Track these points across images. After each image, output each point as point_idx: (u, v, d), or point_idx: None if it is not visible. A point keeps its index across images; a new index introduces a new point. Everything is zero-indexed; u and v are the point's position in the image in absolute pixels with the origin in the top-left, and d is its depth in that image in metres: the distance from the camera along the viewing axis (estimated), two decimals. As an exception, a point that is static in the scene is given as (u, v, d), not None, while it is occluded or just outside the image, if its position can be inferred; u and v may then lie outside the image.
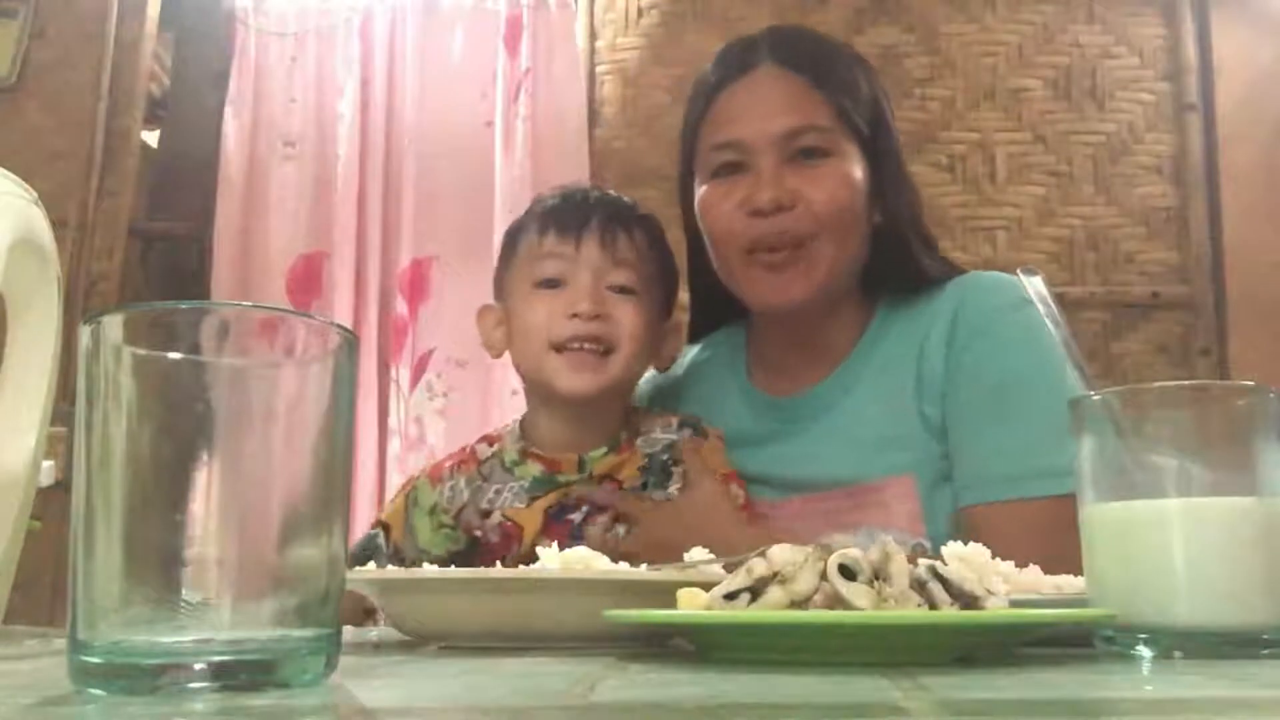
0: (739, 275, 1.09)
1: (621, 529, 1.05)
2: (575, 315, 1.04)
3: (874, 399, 1.10)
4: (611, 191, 1.17)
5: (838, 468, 1.09)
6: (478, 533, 1.09)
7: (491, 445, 1.15)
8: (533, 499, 1.09)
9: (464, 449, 1.17)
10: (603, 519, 1.06)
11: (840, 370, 1.13)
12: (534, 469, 1.10)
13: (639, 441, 1.10)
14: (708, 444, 1.10)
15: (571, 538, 1.03)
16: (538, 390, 1.11)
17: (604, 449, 1.09)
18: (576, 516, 1.06)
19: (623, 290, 1.07)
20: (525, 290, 1.09)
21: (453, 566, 0.73)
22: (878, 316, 1.15)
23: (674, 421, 1.12)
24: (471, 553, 1.08)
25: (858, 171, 1.07)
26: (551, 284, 1.07)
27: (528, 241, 1.10)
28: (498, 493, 1.10)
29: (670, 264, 1.14)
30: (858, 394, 1.11)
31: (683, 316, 1.22)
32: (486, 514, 1.09)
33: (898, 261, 1.13)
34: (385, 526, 1.13)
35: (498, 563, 0.86)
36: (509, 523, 1.08)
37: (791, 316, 1.10)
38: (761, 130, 1.06)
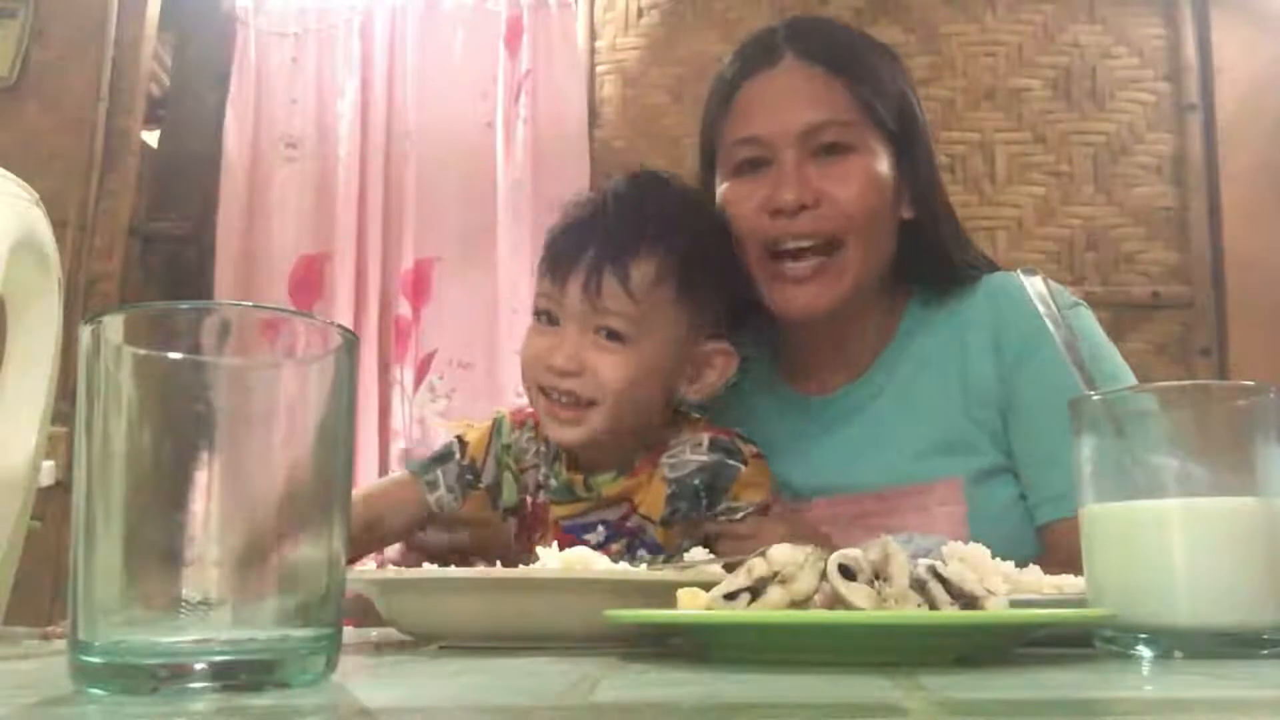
0: (762, 279, 1.05)
1: (645, 553, 1.01)
2: (550, 368, 0.99)
3: (913, 404, 1.08)
4: (647, 199, 1.03)
5: (873, 474, 1.06)
6: (527, 497, 1.08)
7: None
8: (555, 501, 1.06)
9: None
10: (616, 546, 1.02)
11: (871, 372, 1.10)
12: (562, 473, 1.06)
13: (664, 461, 1.02)
14: (745, 472, 1.01)
15: None
16: None
17: (613, 473, 1.03)
18: (592, 538, 1.03)
19: (611, 335, 0.98)
20: (531, 318, 1.04)
21: (464, 566, 0.73)
22: (908, 314, 1.12)
23: (704, 441, 1.02)
24: (514, 512, 1.09)
25: (883, 166, 1.04)
26: (548, 318, 1.01)
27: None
28: (542, 474, 1.08)
29: (703, 281, 1.01)
30: (891, 396, 1.09)
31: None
32: (540, 487, 1.08)
33: (930, 256, 1.10)
34: (462, 441, 1.11)
35: (497, 562, 0.86)
36: (544, 509, 1.07)
37: (817, 320, 1.06)
38: (783, 126, 1.03)
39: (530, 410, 1.09)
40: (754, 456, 1.03)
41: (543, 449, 1.08)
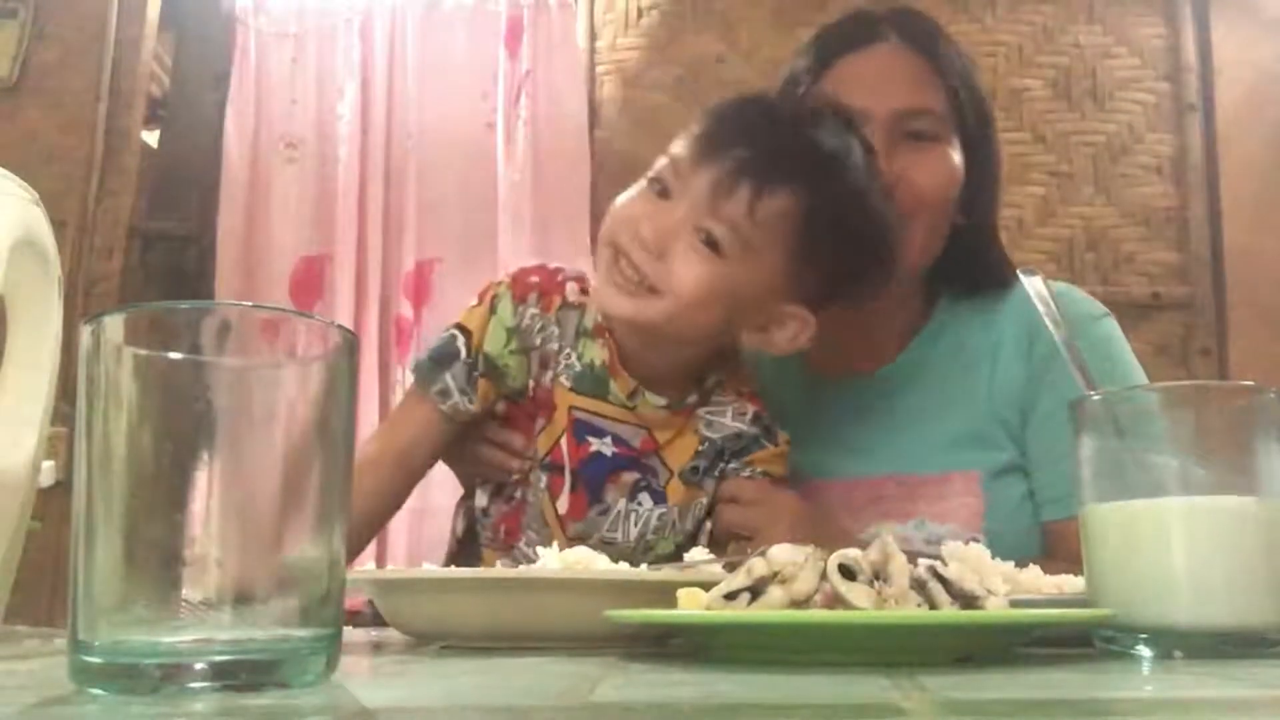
0: None
1: (648, 500, 0.98)
2: (637, 235, 0.90)
3: (941, 396, 1.09)
4: (824, 141, 0.93)
5: (893, 460, 1.07)
6: (531, 383, 0.98)
7: (583, 293, 0.99)
8: (574, 389, 0.97)
9: (555, 274, 1.01)
10: (626, 477, 0.97)
11: (901, 359, 1.12)
12: (597, 354, 0.97)
13: (702, 414, 0.99)
14: (768, 451, 1.00)
15: (590, 472, 0.96)
16: None
17: (664, 400, 0.97)
18: (595, 443, 0.97)
19: (710, 242, 0.89)
20: (646, 177, 0.95)
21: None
22: (941, 308, 1.13)
23: (749, 411, 1.00)
24: (516, 413, 1.00)
25: (959, 162, 1.06)
26: (659, 188, 0.92)
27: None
28: (558, 351, 0.98)
29: (823, 244, 0.92)
30: (920, 387, 1.10)
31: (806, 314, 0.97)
32: (545, 367, 0.98)
33: (974, 258, 1.12)
34: (465, 330, 0.99)
35: (504, 560, 0.86)
36: (550, 393, 0.98)
37: None
38: (880, 103, 1.03)
39: (534, 282, 1.00)
40: (785, 442, 1.02)
41: (569, 323, 0.98)
